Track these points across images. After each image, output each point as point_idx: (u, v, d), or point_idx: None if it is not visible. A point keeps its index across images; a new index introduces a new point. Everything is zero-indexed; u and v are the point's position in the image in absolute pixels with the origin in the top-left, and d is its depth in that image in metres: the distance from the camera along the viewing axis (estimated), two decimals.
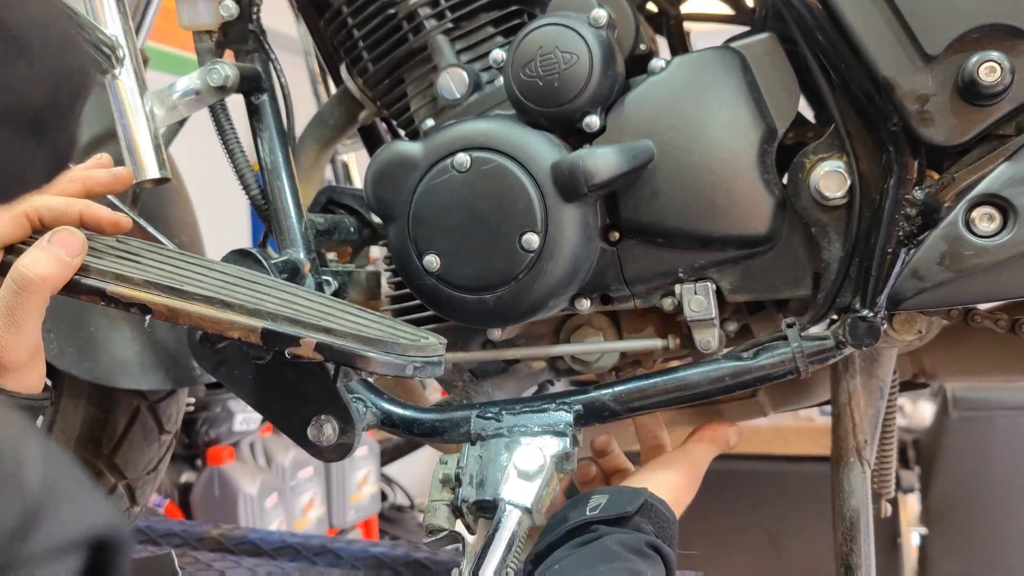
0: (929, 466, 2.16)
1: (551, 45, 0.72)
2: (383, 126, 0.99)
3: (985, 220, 0.65)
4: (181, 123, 0.93)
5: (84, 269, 0.64)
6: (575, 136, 0.75)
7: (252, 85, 0.83)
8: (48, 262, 0.60)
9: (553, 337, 0.85)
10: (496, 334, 0.82)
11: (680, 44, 0.94)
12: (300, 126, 0.93)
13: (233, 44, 0.84)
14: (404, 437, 0.79)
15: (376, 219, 0.89)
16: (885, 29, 0.66)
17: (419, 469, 3.12)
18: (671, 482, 0.75)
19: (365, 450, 2.52)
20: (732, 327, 0.81)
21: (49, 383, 0.66)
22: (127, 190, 0.73)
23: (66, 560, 0.30)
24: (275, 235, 0.83)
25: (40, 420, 0.65)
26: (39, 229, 0.64)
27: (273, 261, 0.77)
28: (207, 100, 0.82)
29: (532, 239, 0.71)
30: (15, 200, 0.54)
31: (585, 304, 0.78)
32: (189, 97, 0.81)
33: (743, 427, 0.83)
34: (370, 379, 0.80)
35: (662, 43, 0.91)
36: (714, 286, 0.75)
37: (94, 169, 0.69)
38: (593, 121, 0.73)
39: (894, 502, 0.95)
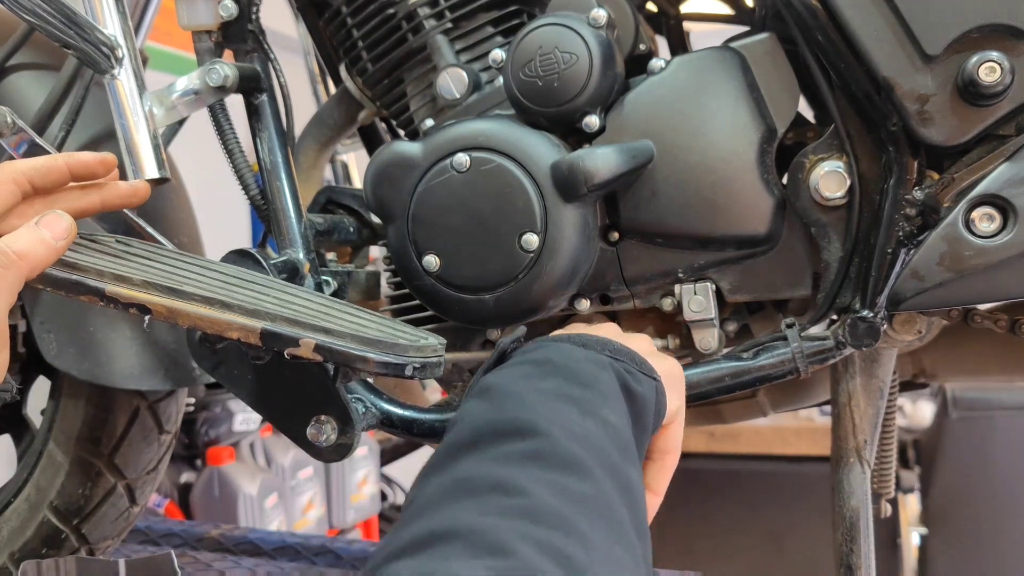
0: (929, 466, 2.16)
1: (551, 45, 0.72)
2: (382, 126, 0.99)
3: (985, 220, 0.65)
4: (180, 123, 0.93)
5: (83, 269, 0.64)
6: (575, 136, 0.75)
7: (251, 85, 0.83)
8: (29, 241, 0.59)
9: None
10: (496, 334, 0.82)
11: (680, 44, 0.94)
12: (299, 126, 0.93)
13: (232, 44, 0.83)
14: (404, 437, 0.79)
15: (375, 219, 0.89)
16: (885, 29, 0.66)
17: (419, 469, 3.12)
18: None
19: (365, 450, 2.51)
20: (732, 327, 0.81)
21: (12, 379, 0.64)
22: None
23: None
24: (274, 235, 0.83)
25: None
26: (31, 194, 0.64)
27: (272, 261, 0.77)
28: (206, 100, 0.82)
29: (531, 239, 0.71)
30: None
31: (585, 304, 0.78)
32: (188, 97, 0.81)
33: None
34: (369, 379, 0.80)
35: (662, 43, 0.91)
36: (714, 286, 0.75)
37: (113, 182, 0.69)
38: (593, 121, 0.73)
39: (894, 502, 0.95)
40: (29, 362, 0.95)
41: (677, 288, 0.76)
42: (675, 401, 0.63)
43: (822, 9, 0.67)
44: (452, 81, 0.78)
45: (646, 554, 0.48)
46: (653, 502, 0.63)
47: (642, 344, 0.65)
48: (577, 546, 0.41)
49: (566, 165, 0.70)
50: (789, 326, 0.74)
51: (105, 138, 0.90)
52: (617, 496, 0.48)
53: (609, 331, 0.66)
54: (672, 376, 0.64)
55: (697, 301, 0.75)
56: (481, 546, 0.40)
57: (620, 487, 0.48)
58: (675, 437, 0.64)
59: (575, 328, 0.68)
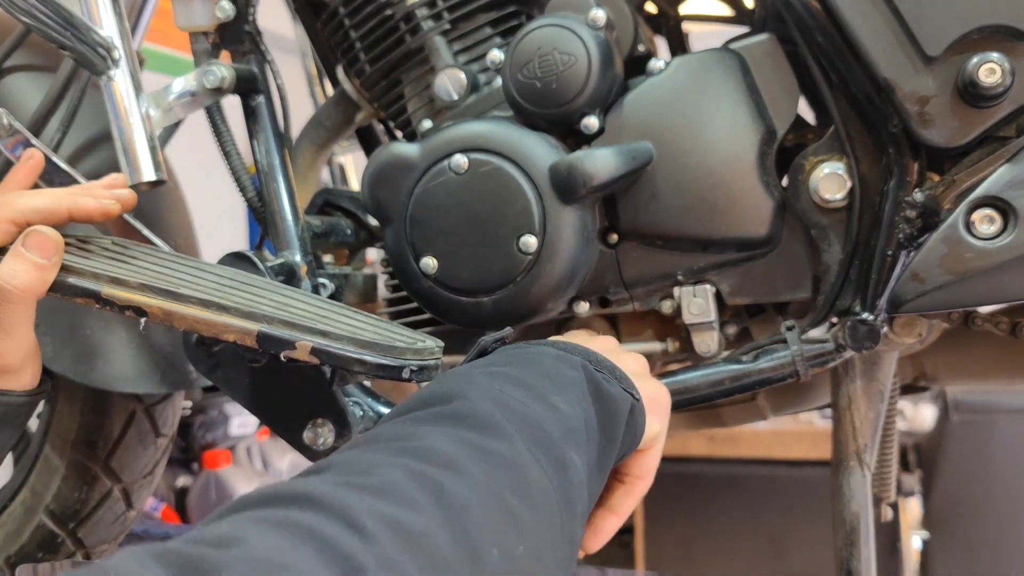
0: (930, 470, 2.15)
1: (549, 46, 0.71)
2: (380, 127, 0.99)
3: (985, 222, 0.65)
4: (177, 125, 0.92)
5: (79, 272, 0.63)
6: (573, 137, 0.74)
7: (248, 86, 0.83)
8: (26, 270, 0.60)
9: None
10: None
11: (679, 45, 0.94)
12: (297, 128, 0.92)
13: (229, 45, 0.83)
14: None
15: (373, 221, 0.89)
16: (885, 30, 0.65)
17: None
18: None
19: None
20: (732, 330, 0.81)
21: (47, 379, 0.68)
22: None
23: None
24: (271, 237, 0.82)
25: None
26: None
27: (269, 264, 0.76)
28: (203, 102, 0.81)
29: (530, 241, 0.71)
30: None
31: (583, 307, 0.78)
32: (185, 99, 0.80)
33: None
34: (367, 382, 0.79)
35: (661, 44, 0.91)
36: (713, 289, 0.75)
37: (96, 189, 0.69)
38: (592, 122, 0.73)
39: (895, 506, 0.94)
40: None
41: (676, 291, 0.75)
42: (656, 427, 0.61)
43: (822, 10, 0.67)
44: (450, 82, 0.78)
45: (570, 533, 0.47)
46: (613, 523, 0.61)
47: (634, 364, 0.64)
48: (457, 480, 0.40)
49: (565, 167, 0.70)
50: (789, 329, 0.73)
51: (101, 140, 0.90)
52: (542, 467, 0.46)
53: (606, 345, 0.65)
54: (656, 401, 0.62)
55: (697, 304, 0.74)
56: (347, 471, 0.39)
57: (552, 463, 0.47)
58: (650, 463, 0.62)
59: (573, 337, 0.67)
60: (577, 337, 0.69)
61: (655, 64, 0.74)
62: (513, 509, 0.42)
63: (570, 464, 0.48)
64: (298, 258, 0.80)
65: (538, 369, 0.54)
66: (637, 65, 0.76)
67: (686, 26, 0.94)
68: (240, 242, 2.85)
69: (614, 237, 0.75)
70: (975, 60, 0.63)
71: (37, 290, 0.61)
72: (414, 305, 0.81)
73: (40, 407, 0.97)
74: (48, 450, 0.95)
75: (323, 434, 0.73)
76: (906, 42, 0.65)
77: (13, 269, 0.60)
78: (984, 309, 0.76)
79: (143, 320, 0.63)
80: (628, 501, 0.62)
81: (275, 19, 1.02)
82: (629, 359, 0.64)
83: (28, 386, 0.65)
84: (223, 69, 0.79)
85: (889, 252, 0.68)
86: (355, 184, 1.21)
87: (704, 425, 0.96)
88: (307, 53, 1.12)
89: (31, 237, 0.61)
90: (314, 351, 0.61)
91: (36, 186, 0.73)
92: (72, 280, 0.63)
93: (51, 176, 0.77)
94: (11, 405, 0.63)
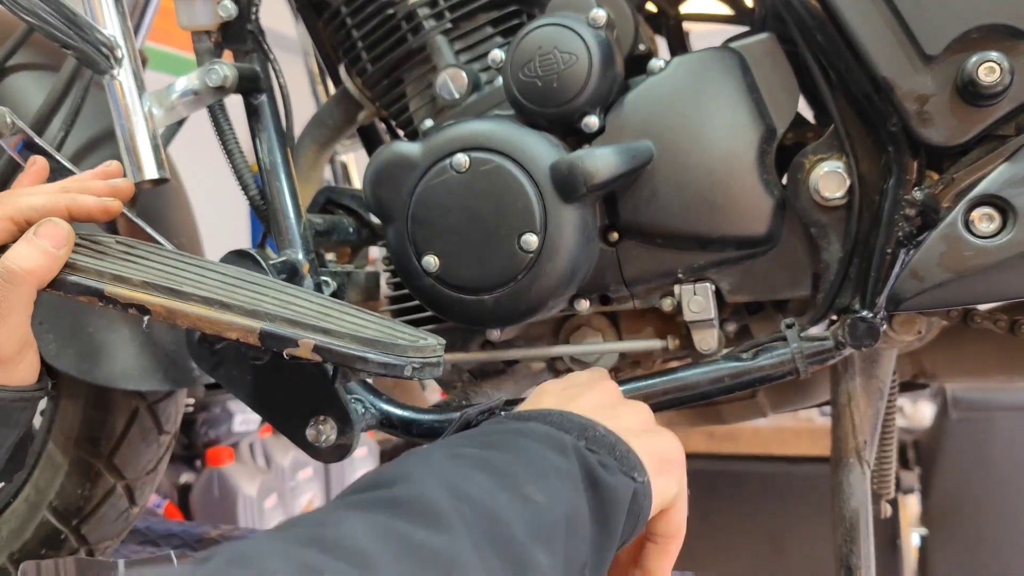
0: (929, 467, 2.15)
1: (550, 45, 0.72)
2: (382, 126, 0.99)
3: (984, 221, 0.65)
4: (179, 123, 0.93)
5: (82, 270, 0.64)
6: (574, 136, 0.75)
7: (251, 85, 0.83)
8: (34, 255, 0.61)
9: (552, 338, 0.85)
10: (495, 335, 0.82)
11: (679, 44, 0.94)
12: (299, 126, 0.93)
13: (232, 44, 0.83)
14: (403, 438, 0.79)
15: (375, 220, 0.89)
16: (884, 29, 0.65)
17: None
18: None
19: (364, 451, 2.51)
20: (731, 328, 0.81)
21: (47, 378, 0.67)
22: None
23: None
24: (274, 236, 0.82)
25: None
26: (25, 228, 0.64)
27: (272, 262, 0.77)
28: (206, 100, 0.82)
29: (531, 240, 0.71)
30: None
31: (584, 305, 0.78)
32: (188, 97, 0.81)
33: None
34: (369, 380, 0.80)
35: (661, 43, 0.91)
36: (713, 287, 0.75)
37: (91, 181, 0.69)
38: (592, 121, 0.73)
39: (894, 503, 0.95)
40: None
41: (677, 288, 0.76)
42: (673, 486, 0.58)
43: (822, 9, 0.67)
44: (451, 81, 0.78)
45: None
46: None
47: (635, 418, 0.59)
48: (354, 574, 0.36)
49: (566, 165, 0.70)
50: (789, 326, 0.74)
51: (104, 138, 0.90)
52: (488, 566, 0.41)
53: (605, 397, 0.60)
54: (669, 460, 0.58)
55: (697, 301, 0.75)
56: (228, 562, 0.36)
57: (505, 562, 0.42)
58: (678, 520, 0.59)
59: (568, 388, 0.61)
60: (575, 380, 0.63)
61: (655, 63, 0.75)
62: None
63: (533, 565, 0.43)
64: (300, 256, 0.80)
65: (518, 452, 0.49)
66: (637, 64, 0.76)
67: (686, 25, 0.94)
68: (243, 240, 2.86)
69: (615, 235, 0.76)
70: (974, 59, 0.63)
71: (41, 276, 0.61)
72: (416, 303, 0.81)
73: (43, 404, 0.97)
74: (51, 447, 0.96)
75: (325, 431, 0.74)
76: (905, 41, 0.65)
77: (21, 252, 0.61)
78: (983, 307, 0.76)
79: (146, 318, 0.63)
80: (665, 562, 0.58)
81: (277, 18, 1.03)
82: (630, 413, 0.60)
83: (24, 382, 0.63)
84: (225, 68, 0.80)
85: (888, 250, 0.68)
86: (357, 183, 1.22)
87: (704, 422, 0.96)
88: (309, 52, 1.12)
89: (44, 226, 0.62)
90: (316, 349, 0.62)
91: None
92: (76, 278, 0.63)
93: (55, 175, 0.78)
94: (2, 400, 0.62)
